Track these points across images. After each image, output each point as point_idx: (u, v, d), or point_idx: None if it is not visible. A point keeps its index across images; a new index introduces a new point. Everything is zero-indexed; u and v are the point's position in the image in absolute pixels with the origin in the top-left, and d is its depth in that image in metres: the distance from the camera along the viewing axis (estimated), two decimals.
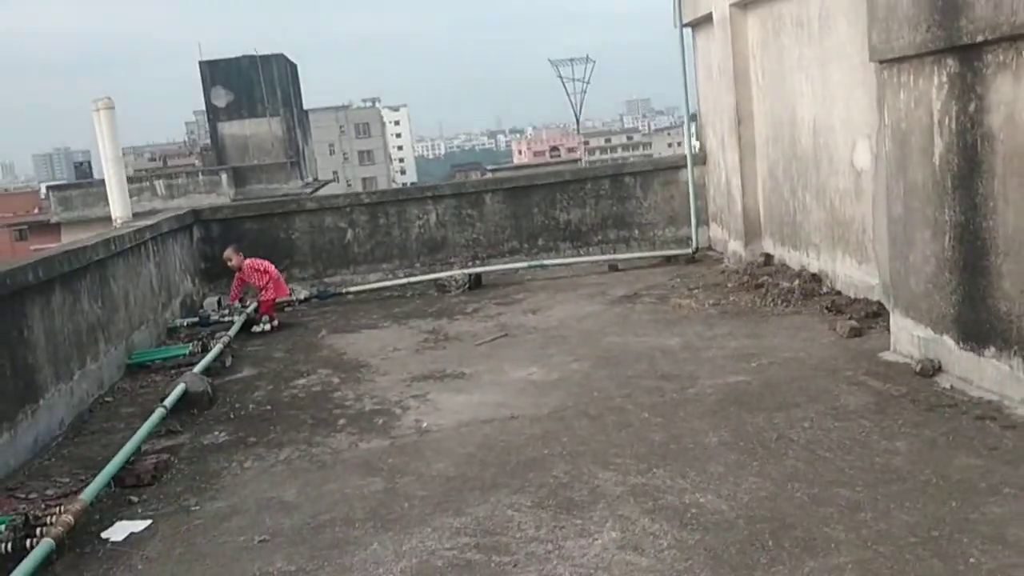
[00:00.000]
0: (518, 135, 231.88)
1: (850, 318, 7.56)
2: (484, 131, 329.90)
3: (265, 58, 44.59)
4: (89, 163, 64.40)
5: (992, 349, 5.44)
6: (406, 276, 11.80)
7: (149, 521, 4.91)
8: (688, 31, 12.07)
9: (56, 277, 6.95)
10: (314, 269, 12.02)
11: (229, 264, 10.53)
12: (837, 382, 6.12)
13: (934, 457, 4.75)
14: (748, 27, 10.11)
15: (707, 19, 11.01)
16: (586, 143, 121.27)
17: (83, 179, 49.23)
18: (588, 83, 50.22)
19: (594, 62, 51.45)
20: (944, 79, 5.62)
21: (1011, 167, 5.10)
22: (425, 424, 6.17)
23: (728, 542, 4.03)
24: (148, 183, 38.99)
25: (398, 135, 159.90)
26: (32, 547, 4.31)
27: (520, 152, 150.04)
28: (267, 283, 10.30)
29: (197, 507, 5.06)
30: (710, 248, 12.21)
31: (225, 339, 8.74)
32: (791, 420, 5.48)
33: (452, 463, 5.35)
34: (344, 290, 11.52)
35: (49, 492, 5.42)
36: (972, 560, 3.68)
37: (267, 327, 9.93)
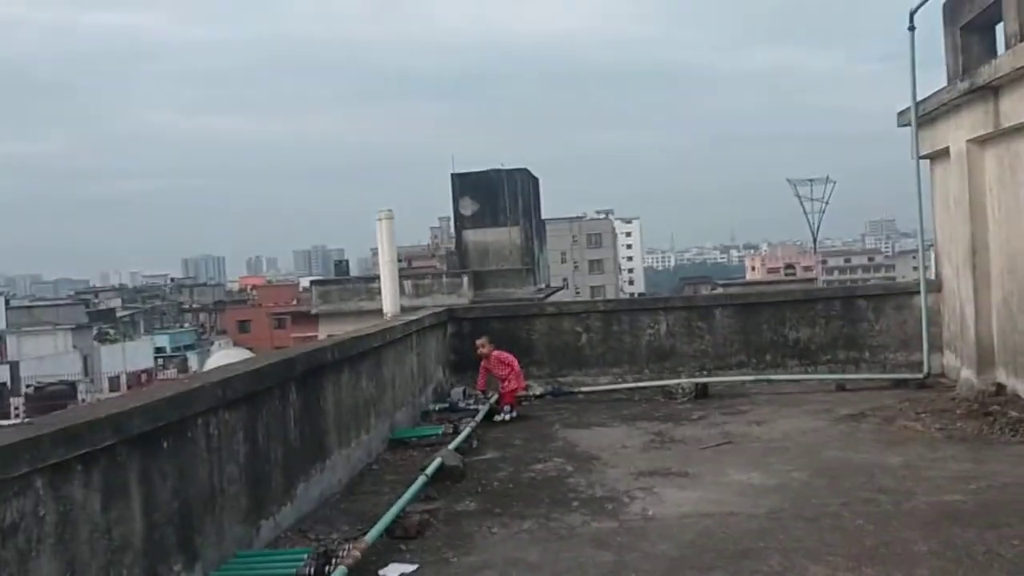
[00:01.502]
0: (752, 251, 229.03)
1: None
2: (716, 245, 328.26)
3: (510, 172, 47.55)
4: (347, 261, 70.21)
5: None
6: (635, 381, 12.54)
7: (416, 566, 5.86)
8: (926, 161, 12.35)
9: (345, 359, 8.27)
10: (549, 368, 13.00)
11: (480, 351, 11.62)
12: None
13: None
14: (985, 162, 10.35)
15: (944, 152, 11.30)
16: (824, 262, 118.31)
17: (341, 276, 53.80)
18: (827, 203, 49.75)
19: (835, 183, 51.03)
20: None
21: None
22: (651, 512, 6.83)
23: None
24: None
25: (629, 246, 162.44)
26: (330, 573, 5.34)
27: (753, 268, 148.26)
28: (509, 375, 11.34)
29: (455, 559, 5.97)
30: (942, 375, 12.15)
31: (472, 424, 9.81)
32: (1001, 537, 5.72)
33: (674, 546, 5.99)
34: (576, 389, 12.41)
35: (333, 536, 6.50)
36: None
37: (507, 417, 10.94)
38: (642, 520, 6.65)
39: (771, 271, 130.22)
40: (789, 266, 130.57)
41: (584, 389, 12.43)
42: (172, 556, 5.01)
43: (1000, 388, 10.22)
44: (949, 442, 8.57)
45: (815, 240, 52.02)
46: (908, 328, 12.43)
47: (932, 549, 5.63)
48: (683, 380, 12.12)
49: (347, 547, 5.74)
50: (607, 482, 7.80)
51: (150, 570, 4.76)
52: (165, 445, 4.97)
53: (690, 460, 8.45)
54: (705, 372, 12.60)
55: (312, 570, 5.39)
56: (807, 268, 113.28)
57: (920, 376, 11.84)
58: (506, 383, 11.32)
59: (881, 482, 7.28)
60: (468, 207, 47.05)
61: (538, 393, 12.23)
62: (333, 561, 5.49)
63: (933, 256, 12.87)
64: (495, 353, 11.56)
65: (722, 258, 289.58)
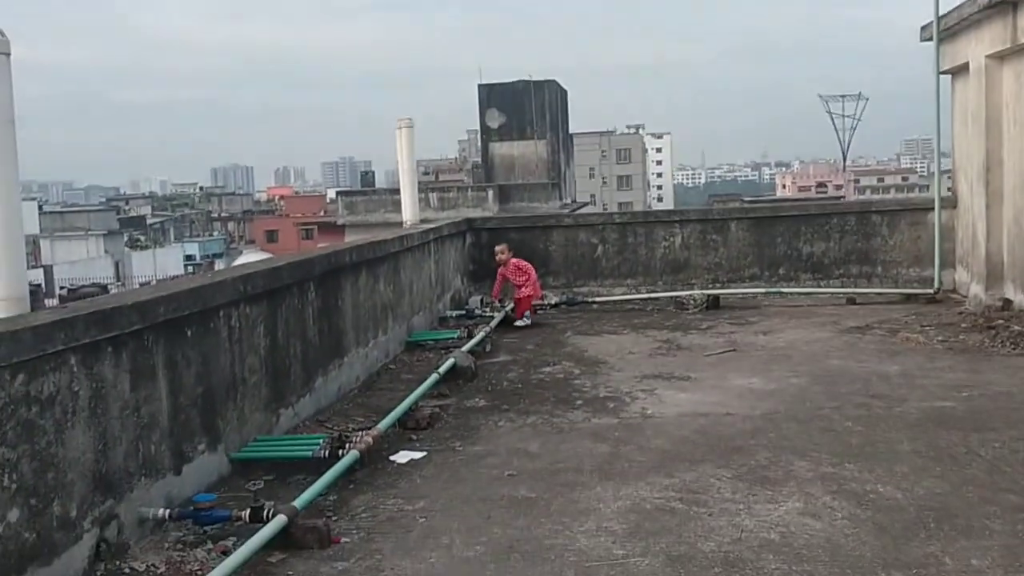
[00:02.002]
0: (783, 169, 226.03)
1: None
2: (748, 163, 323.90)
3: (538, 83, 47.06)
4: (373, 172, 70.30)
5: None
6: (648, 292, 12.80)
7: (425, 453, 6.24)
8: (947, 77, 12.29)
9: (363, 262, 8.57)
10: (565, 279, 13.26)
11: (498, 258, 11.89)
12: None
13: None
14: (1003, 78, 10.32)
15: (964, 68, 11.25)
16: (856, 181, 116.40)
17: (367, 187, 54.01)
18: (859, 120, 49.07)
19: (867, 99, 50.24)
20: None
21: None
22: (650, 411, 7.16)
23: (895, 520, 4.75)
24: (423, 195, 42.28)
25: (659, 162, 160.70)
26: (343, 455, 5.72)
27: (784, 186, 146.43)
28: (525, 282, 11.64)
29: (461, 448, 6.34)
30: (954, 291, 12.30)
31: (487, 329, 10.15)
32: (983, 440, 5.99)
33: (668, 441, 6.32)
34: (590, 299, 12.70)
35: (350, 426, 6.89)
36: None
37: (522, 323, 11.27)
38: (641, 418, 6.98)
39: (802, 189, 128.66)
40: (821, 184, 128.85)
41: (598, 299, 12.71)
42: (196, 436, 5.39)
43: (1007, 303, 10.39)
44: (949, 353, 8.80)
45: (844, 157, 51.50)
46: (922, 244, 12.55)
47: (915, 449, 5.92)
48: (695, 292, 12.37)
49: (360, 434, 6.12)
50: (611, 384, 8.12)
51: (176, 448, 5.15)
52: (189, 333, 5.31)
53: (694, 366, 8.75)
54: (718, 284, 12.82)
55: (327, 453, 5.78)
56: (839, 187, 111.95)
57: (931, 291, 12.00)
58: (522, 289, 11.61)
59: (876, 389, 7.55)
60: (495, 119, 46.78)
61: (553, 302, 12.52)
62: (347, 446, 5.87)
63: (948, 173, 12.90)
64: (513, 261, 11.83)
65: (753, 175, 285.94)
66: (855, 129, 47.37)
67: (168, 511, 4.84)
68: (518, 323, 11.29)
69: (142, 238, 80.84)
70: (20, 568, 3.88)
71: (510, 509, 5.15)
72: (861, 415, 6.77)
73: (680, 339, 10.18)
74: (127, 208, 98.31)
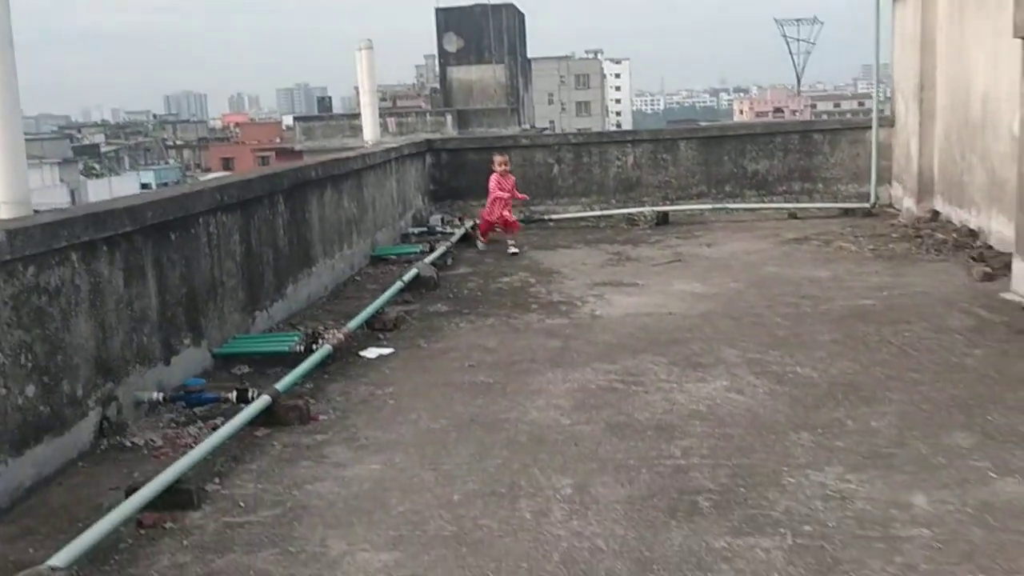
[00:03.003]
0: (741, 94, 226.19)
1: (987, 266, 8.48)
2: (707, 88, 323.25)
3: (496, 7, 46.88)
4: (330, 98, 69.64)
5: None
6: (601, 209, 13.35)
7: (392, 350, 6.79)
8: (889, 1, 12.80)
9: (328, 178, 9.00)
10: None
11: (495, 168, 11.26)
12: (950, 309, 7.21)
13: (1002, 362, 5.86)
14: (938, 1, 10.85)
15: None
16: (813, 106, 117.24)
17: (324, 112, 53.67)
18: (813, 44, 49.48)
19: (822, 23, 50.56)
20: None
21: None
22: (598, 312, 7.77)
23: (808, 394, 5.41)
24: (382, 120, 42.23)
25: (617, 88, 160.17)
26: (316, 350, 6.25)
27: (741, 112, 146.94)
28: (492, 202, 11.35)
29: (425, 345, 6.91)
30: (890, 205, 12.99)
31: (448, 244, 10.66)
32: (896, 331, 6.67)
33: (614, 336, 6.93)
34: (547, 217, 13.22)
35: (320, 328, 7.42)
36: (989, 418, 4.89)
37: (482, 246, 11.36)
38: (590, 318, 7.59)
39: (759, 114, 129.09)
40: (778, 110, 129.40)
41: (554, 217, 13.23)
42: (182, 332, 5.90)
43: (935, 214, 11.10)
44: (877, 260, 9.48)
45: (799, 81, 52.06)
46: (860, 161, 13.19)
47: (834, 338, 6.59)
48: (646, 208, 12.95)
49: (333, 331, 6.66)
50: (564, 291, 8.71)
51: (165, 341, 5.65)
52: (173, 237, 5.78)
53: (641, 274, 9.36)
54: (668, 202, 13.39)
55: (303, 348, 6.32)
56: (795, 112, 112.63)
57: (867, 206, 12.68)
58: (490, 210, 11.28)
59: (806, 291, 8.21)
60: (452, 43, 46.62)
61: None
62: (320, 341, 6.41)
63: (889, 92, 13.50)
64: (496, 176, 11.23)
65: (711, 101, 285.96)
66: (810, 53, 47.89)
67: (161, 394, 5.37)
68: (479, 245, 11.50)
69: (97, 166, 79.62)
70: (38, 437, 4.40)
71: (470, 392, 5.74)
72: (790, 312, 7.43)
73: (630, 252, 10.77)
74: (80, 136, 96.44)
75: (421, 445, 4.89)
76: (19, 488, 4.27)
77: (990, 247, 9.44)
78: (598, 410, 5.29)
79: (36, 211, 5.41)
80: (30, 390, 4.36)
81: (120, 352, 5.13)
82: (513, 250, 10.88)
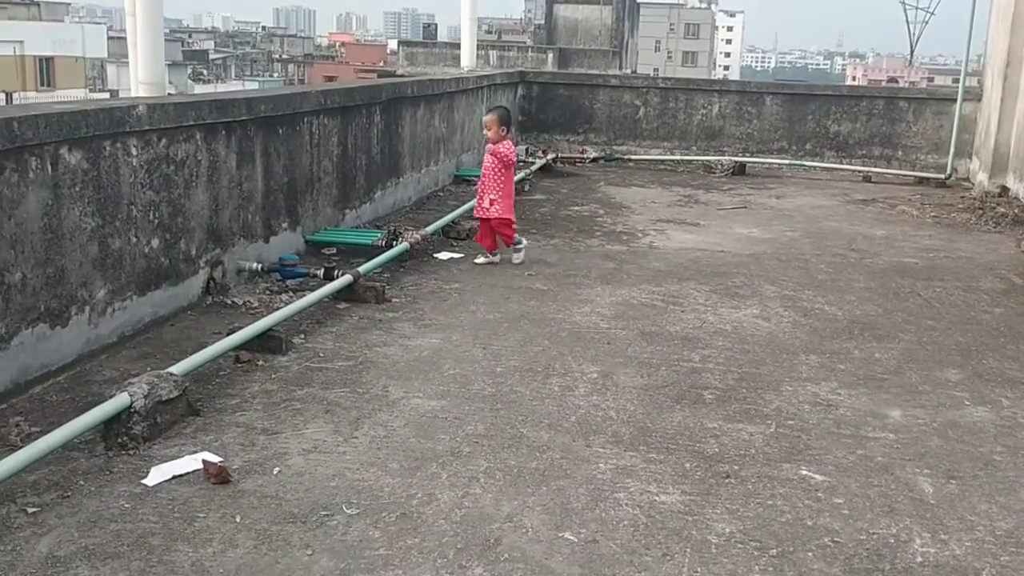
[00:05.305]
0: (856, 60, 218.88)
1: None
2: (821, 51, 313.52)
3: None
4: (436, 26, 70.17)
5: None
6: (682, 154, 13.81)
7: (462, 255, 7.55)
8: None
9: (422, 97, 9.72)
10: (606, 136, 14.28)
11: (485, 132, 7.36)
12: (987, 274, 7.63)
13: (1016, 320, 6.33)
14: None
15: None
16: (931, 79, 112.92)
17: (429, 39, 54.30)
18: (932, 14, 47.90)
19: None
20: None
21: None
22: (656, 244, 8.38)
23: (827, 326, 5.98)
24: (483, 51, 42.71)
25: (728, 41, 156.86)
26: (395, 245, 7.03)
27: (854, 78, 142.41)
28: (501, 192, 7.42)
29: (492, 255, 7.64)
30: (966, 179, 13.16)
31: (527, 172, 11.32)
32: (929, 286, 7.15)
33: (665, 264, 7.56)
34: (627, 157, 13.76)
35: (401, 228, 8.20)
36: (984, 362, 5.41)
37: (483, 260, 7.42)
38: (647, 248, 8.21)
39: (872, 83, 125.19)
40: (892, 79, 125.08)
41: (635, 157, 13.75)
42: (281, 216, 6.73)
43: (1004, 190, 11.31)
44: (935, 226, 9.84)
45: (912, 51, 50.54)
46: (943, 132, 13.34)
47: (868, 286, 7.10)
48: (725, 158, 13.37)
49: (411, 231, 7.43)
50: (629, 223, 9.32)
51: (266, 221, 6.49)
52: (280, 131, 6.57)
53: (705, 216, 9.90)
54: (748, 154, 13.78)
55: (384, 243, 7.11)
56: (912, 83, 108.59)
57: (942, 176, 12.89)
58: (492, 203, 7.37)
59: (857, 245, 8.67)
60: None
61: (592, 157, 13.61)
62: (399, 239, 7.19)
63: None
64: (505, 145, 7.32)
65: (825, 64, 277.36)
66: (927, 23, 46.35)
67: (260, 265, 6.22)
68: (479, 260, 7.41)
69: (204, 72, 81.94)
70: (157, 283, 5.28)
71: (526, 295, 6.46)
72: (835, 262, 7.93)
73: (700, 196, 11.28)
74: (190, 41, 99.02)
75: (476, 329, 5.64)
76: (140, 322, 5.16)
77: None
78: (635, 320, 5.96)
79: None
80: (155, 243, 5.22)
81: (228, 224, 5.97)
82: (518, 259, 7.44)
